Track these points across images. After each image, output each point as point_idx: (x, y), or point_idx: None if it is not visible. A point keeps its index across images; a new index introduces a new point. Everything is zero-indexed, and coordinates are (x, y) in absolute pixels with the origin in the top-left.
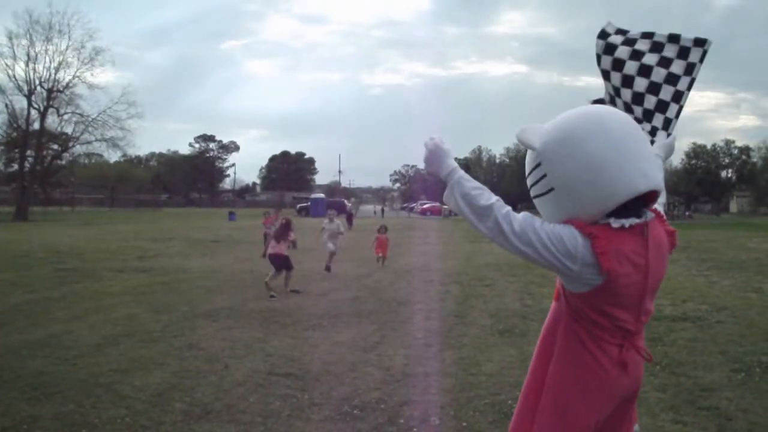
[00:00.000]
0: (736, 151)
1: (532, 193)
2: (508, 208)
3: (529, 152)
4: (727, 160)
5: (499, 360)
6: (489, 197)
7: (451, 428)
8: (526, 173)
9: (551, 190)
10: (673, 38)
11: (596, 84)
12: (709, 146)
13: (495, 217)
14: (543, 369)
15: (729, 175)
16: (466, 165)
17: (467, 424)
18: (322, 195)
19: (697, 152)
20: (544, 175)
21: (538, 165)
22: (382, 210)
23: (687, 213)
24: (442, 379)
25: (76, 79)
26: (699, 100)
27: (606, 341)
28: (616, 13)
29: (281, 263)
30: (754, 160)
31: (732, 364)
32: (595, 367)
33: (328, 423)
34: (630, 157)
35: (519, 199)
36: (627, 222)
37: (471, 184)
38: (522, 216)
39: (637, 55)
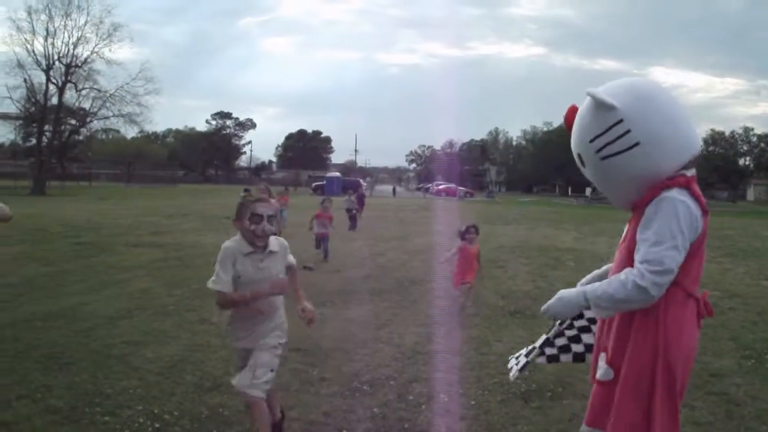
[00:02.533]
0: (754, 139)
1: (606, 153)
2: (628, 274)
3: (599, 113)
4: (745, 148)
5: (509, 340)
6: (614, 286)
7: (459, 406)
8: (596, 134)
9: (636, 144)
10: None
11: (614, 67)
12: (727, 133)
13: (635, 289)
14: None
15: (747, 163)
16: (483, 147)
17: (476, 402)
18: (337, 174)
19: (715, 139)
20: (628, 131)
21: (618, 122)
22: (394, 190)
23: None
24: (452, 357)
25: (95, 54)
26: (719, 86)
27: (692, 294)
28: None
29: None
30: None
31: (742, 350)
32: (691, 319)
33: (338, 398)
34: (688, 116)
35: (535, 181)
36: (690, 172)
37: (599, 291)
38: (655, 257)
39: None
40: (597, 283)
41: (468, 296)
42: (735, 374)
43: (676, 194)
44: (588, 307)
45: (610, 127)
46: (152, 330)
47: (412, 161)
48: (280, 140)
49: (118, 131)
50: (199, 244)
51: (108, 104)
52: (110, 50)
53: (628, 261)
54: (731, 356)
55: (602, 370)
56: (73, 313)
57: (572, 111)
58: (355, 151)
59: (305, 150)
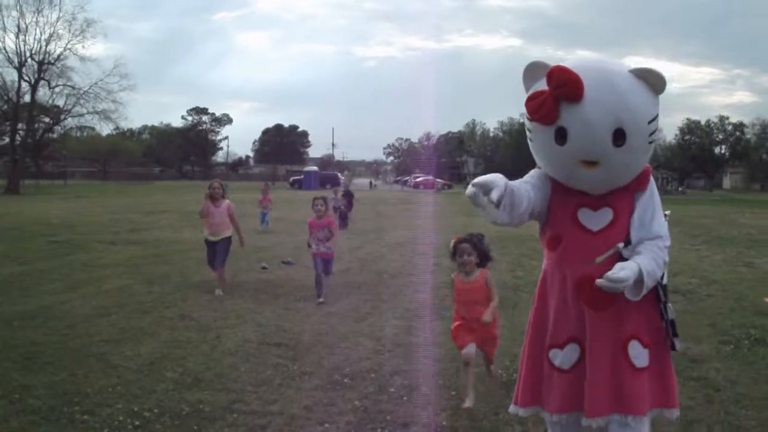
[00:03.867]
0: (730, 128)
1: (655, 137)
2: (658, 253)
3: (653, 96)
4: (721, 137)
5: None
6: (655, 265)
7: (440, 397)
8: (654, 116)
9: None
10: None
11: (590, 58)
12: (703, 122)
13: (663, 267)
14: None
15: (723, 152)
16: (460, 139)
17: (456, 393)
18: (315, 168)
19: (691, 128)
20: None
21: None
22: (370, 183)
23: (680, 189)
24: (432, 349)
25: (68, 51)
26: (694, 75)
27: None
28: None
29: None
30: (748, 136)
31: (721, 336)
32: None
33: (319, 392)
34: None
35: (513, 172)
36: None
37: (649, 268)
38: (666, 233)
39: None
40: (643, 259)
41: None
42: (714, 359)
43: (652, 177)
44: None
45: (658, 114)
46: (131, 327)
47: (389, 154)
48: (257, 135)
49: (92, 128)
50: (176, 241)
51: (82, 101)
52: (83, 47)
53: (620, 241)
54: (710, 342)
55: (644, 355)
56: (50, 312)
57: (574, 76)
58: (333, 144)
59: (282, 144)
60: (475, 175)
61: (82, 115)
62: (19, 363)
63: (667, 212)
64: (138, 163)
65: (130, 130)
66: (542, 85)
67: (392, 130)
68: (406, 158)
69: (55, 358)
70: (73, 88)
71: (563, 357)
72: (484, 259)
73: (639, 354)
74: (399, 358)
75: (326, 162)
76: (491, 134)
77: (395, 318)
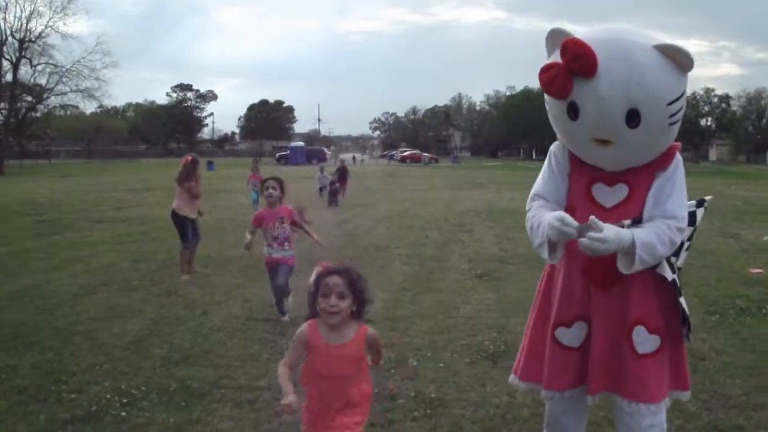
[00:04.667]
0: (715, 100)
1: (676, 119)
2: (665, 231)
3: (677, 76)
4: (706, 109)
5: (477, 303)
6: (657, 240)
7: (428, 369)
8: (675, 97)
9: (681, 109)
10: None
11: (613, 29)
12: (689, 94)
13: (671, 247)
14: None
15: (708, 124)
16: (446, 112)
17: (444, 365)
18: (301, 143)
19: None
20: (684, 94)
21: (685, 88)
22: (353, 158)
23: None
24: (420, 321)
25: (49, 28)
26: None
27: None
28: None
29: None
30: (734, 108)
31: (707, 306)
32: None
33: None
34: None
35: (500, 146)
36: None
37: (645, 239)
38: (682, 215)
39: None
40: (641, 230)
41: None
42: (700, 329)
43: (680, 157)
44: (630, 252)
45: (683, 93)
46: (118, 305)
47: (376, 129)
48: (243, 111)
49: (76, 107)
50: (163, 218)
51: (65, 79)
52: (65, 24)
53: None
54: (696, 312)
55: (650, 341)
56: (36, 292)
57: (588, 50)
58: (318, 120)
59: (268, 120)
60: (462, 149)
61: (65, 93)
62: (5, 343)
63: (708, 197)
64: (123, 141)
65: (115, 108)
66: (558, 57)
67: (378, 104)
68: (392, 132)
69: (41, 337)
70: (56, 66)
71: (571, 335)
72: (362, 306)
73: (644, 340)
74: (387, 331)
75: (312, 137)
76: (477, 108)
77: (382, 291)
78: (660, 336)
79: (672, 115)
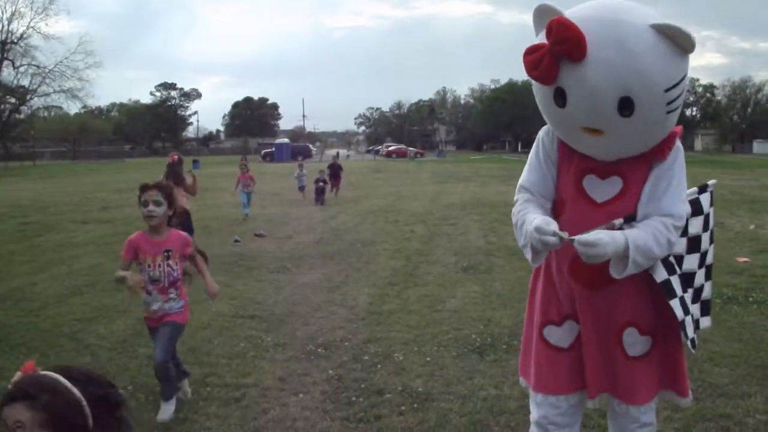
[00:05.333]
0: (700, 89)
1: (674, 106)
2: (662, 231)
3: (675, 59)
4: (691, 98)
5: (463, 296)
6: (654, 241)
7: (414, 363)
8: (673, 83)
9: (681, 95)
10: None
11: (607, 4)
12: None
13: (668, 247)
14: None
15: (693, 113)
16: (431, 107)
17: (431, 359)
18: (286, 140)
19: None
20: (684, 78)
21: (686, 72)
22: (337, 154)
23: None
24: (407, 316)
25: (31, 29)
26: None
27: None
28: None
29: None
30: (719, 98)
31: None
32: None
33: (293, 362)
34: None
35: (485, 139)
36: None
37: (640, 242)
38: (679, 212)
39: None
40: (635, 232)
41: None
42: None
43: (680, 144)
44: (624, 257)
45: (683, 78)
46: (103, 306)
47: (360, 124)
48: (227, 109)
49: (60, 108)
50: None
51: (48, 80)
52: (47, 24)
53: (624, 214)
54: None
55: (642, 343)
56: (21, 294)
57: (576, 33)
58: (303, 116)
59: (253, 117)
60: (447, 143)
61: (48, 94)
62: None
63: (711, 181)
64: (108, 141)
65: (99, 108)
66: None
67: (363, 100)
68: (377, 128)
69: (27, 339)
70: (38, 67)
71: (560, 335)
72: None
73: (635, 342)
74: (373, 326)
75: (297, 134)
76: (462, 101)
77: (368, 286)
78: (652, 337)
79: (670, 102)
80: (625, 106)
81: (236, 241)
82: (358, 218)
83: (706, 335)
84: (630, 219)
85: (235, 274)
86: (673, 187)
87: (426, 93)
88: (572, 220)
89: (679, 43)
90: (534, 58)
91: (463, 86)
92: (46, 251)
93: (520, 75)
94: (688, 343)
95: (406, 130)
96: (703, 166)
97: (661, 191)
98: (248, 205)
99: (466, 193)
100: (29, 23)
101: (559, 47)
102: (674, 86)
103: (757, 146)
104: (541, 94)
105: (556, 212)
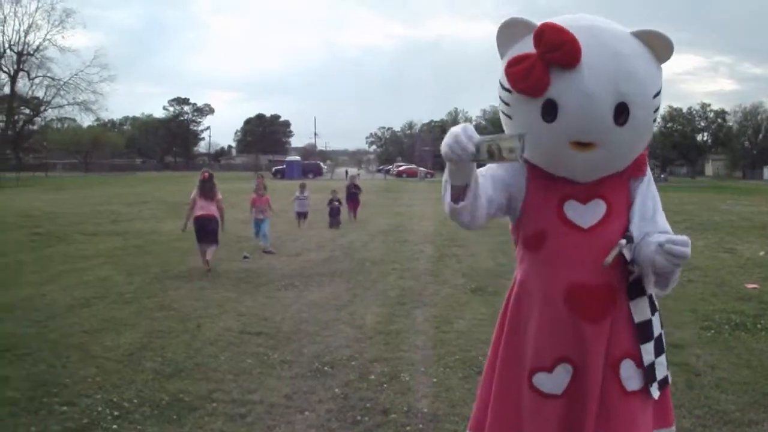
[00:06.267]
0: (711, 115)
1: (655, 117)
2: None
3: (655, 65)
4: (702, 124)
5: (471, 317)
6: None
7: (421, 384)
8: (659, 89)
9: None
10: None
11: (581, 16)
12: (685, 109)
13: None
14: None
15: (705, 139)
16: (442, 127)
17: (437, 380)
18: (297, 158)
19: (673, 115)
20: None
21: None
22: (345, 173)
23: (663, 176)
24: (414, 336)
25: (47, 41)
26: (677, 62)
27: None
28: None
29: (209, 232)
30: (730, 123)
31: (702, 321)
32: None
33: (299, 380)
34: None
35: None
36: None
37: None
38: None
39: None
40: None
41: None
42: (695, 345)
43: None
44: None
45: (661, 87)
46: (111, 318)
47: (372, 143)
48: (239, 125)
49: (73, 120)
50: (159, 231)
51: (62, 92)
52: (63, 37)
53: (618, 238)
54: (691, 327)
55: (638, 377)
56: (29, 304)
57: (570, 37)
58: (315, 134)
59: (264, 134)
60: None
61: (62, 106)
62: None
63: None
64: (120, 155)
65: (112, 121)
66: (524, 48)
67: (375, 119)
68: (388, 147)
69: (34, 349)
70: (53, 79)
71: (554, 381)
72: None
73: (633, 375)
74: (380, 346)
75: (309, 151)
76: (474, 123)
77: (376, 305)
78: (643, 371)
79: (656, 110)
80: (621, 112)
81: (245, 257)
82: (367, 237)
83: (713, 361)
84: (629, 239)
85: (243, 290)
86: (658, 204)
87: (438, 113)
88: (560, 251)
89: (658, 48)
90: (521, 69)
91: (474, 107)
92: (56, 262)
93: None
94: (654, 386)
95: (417, 150)
96: (714, 192)
97: (652, 209)
98: (266, 234)
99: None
100: (45, 35)
101: (553, 54)
102: (658, 93)
103: None
104: (523, 110)
105: (533, 246)
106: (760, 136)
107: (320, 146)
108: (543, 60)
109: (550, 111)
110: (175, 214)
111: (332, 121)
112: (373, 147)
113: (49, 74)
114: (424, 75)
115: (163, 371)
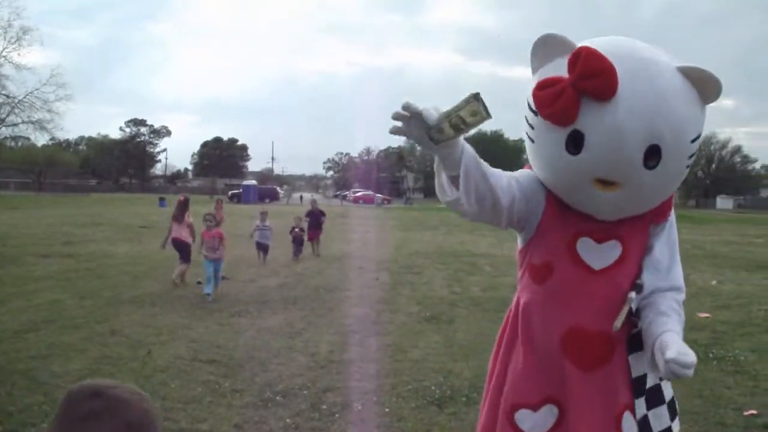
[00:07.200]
0: None
1: (690, 163)
2: (678, 311)
3: (699, 107)
4: None
5: (425, 346)
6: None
7: (373, 414)
8: (698, 133)
9: None
10: None
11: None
12: None
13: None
14: None
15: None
16: (400, 154)
17: (390, 410)
18: (254, 182)
19: None
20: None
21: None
22: (300, 197)
23: None
24: (367, 365)
25: (2, 58)
26: None
27: None
28: (551, 5)
29: (180, 252)
30: None
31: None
32: None
33: (250, 409)
34: None
35: None
36: None
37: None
38: (682, 284)
39: None
40: (675, 326)
41: None
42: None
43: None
44: None
45: (702, 130)
46: (60, 343)
47: (329, 168)
48: (196, 148)
49: (27, 138)
50: (111, 254)
51: (17, 110)
52: (19, 54)
53: (628, 286)
54: None
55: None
56: None
57: (609, 66)
58: (272, 158)
59: (221, 158)
60: (415, 191)
61: (16, 124)
62: None
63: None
64: (74, 175)
65: (67, 141)
66: (558, 70)
67: (332, 144)
68: (345, 173)
69: None
70: (8, 96)
71: (536, 421)
72: None
73: (632, 427)
74: (332, 375)
75: (266, 176)
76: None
77: (330, 334)
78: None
79: (691, 156)
80: (652, 155)
81: (199, 282)
82: (322, 263)
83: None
84: (638, 289)
85: (196, 316)
86: (676, 253)
87: (395, 140)
88: (564, 288)
89: (705, 89)
90: (549, 94)
91: None
92: (4, 284)
93: (489, 126)
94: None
95: (374, 176)
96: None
97: (668, 260)
98: (216, 280)
99: (432, 242)
100: (1, 52)
101: (587, 82)
102: (697, 138)
103: (721, 202)
104: (547, 138)
105: (538, 278)
106: (713, 166)
107: (277, 171)
108: (575, 87)
109: (575, 143)
110: (128, 237)
111: (290, 145)
112: (330, 172)
113: (3, 92)
114: (384, 102)
115: None
